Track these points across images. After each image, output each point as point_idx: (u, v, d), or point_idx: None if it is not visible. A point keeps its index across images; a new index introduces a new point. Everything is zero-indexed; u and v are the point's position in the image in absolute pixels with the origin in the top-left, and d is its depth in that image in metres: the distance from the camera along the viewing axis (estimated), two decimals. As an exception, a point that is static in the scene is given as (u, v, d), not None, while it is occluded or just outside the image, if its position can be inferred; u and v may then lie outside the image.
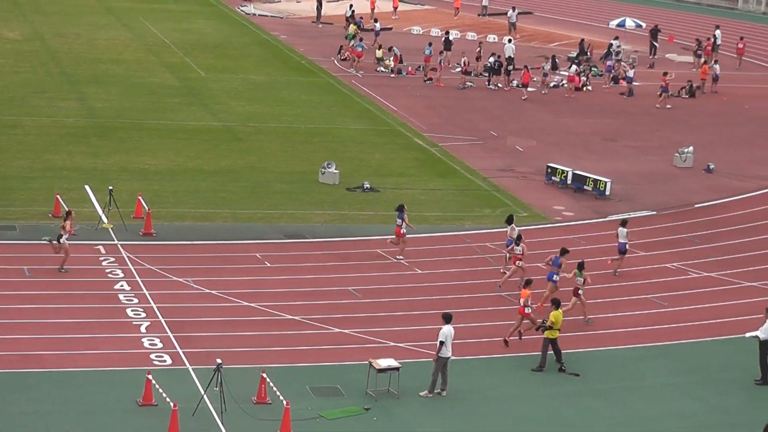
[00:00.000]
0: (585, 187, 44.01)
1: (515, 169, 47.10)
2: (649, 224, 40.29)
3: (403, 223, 35.51)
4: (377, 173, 45.26)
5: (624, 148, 52.78)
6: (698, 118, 59.17)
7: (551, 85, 64.00)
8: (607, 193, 43.38)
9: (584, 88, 64.11)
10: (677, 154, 49.50)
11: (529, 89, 62.25)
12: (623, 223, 36.13)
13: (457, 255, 36.83)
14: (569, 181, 44.46)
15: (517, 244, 34.19)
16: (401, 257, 35.62)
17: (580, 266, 32.51)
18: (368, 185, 43.06)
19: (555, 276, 32.58)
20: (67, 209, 34.16)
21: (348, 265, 35.25)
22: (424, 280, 34.34)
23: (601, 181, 43.50)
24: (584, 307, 31.91)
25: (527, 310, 30.23)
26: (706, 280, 36.10)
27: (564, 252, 33.14)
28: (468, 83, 63.18)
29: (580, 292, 31.83)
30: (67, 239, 32.59)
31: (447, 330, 27.44)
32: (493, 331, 31.10)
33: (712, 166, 48.52)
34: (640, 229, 40.24)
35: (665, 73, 61.56)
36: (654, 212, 41.49)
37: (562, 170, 44.79)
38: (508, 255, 34.88)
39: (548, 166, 45.65)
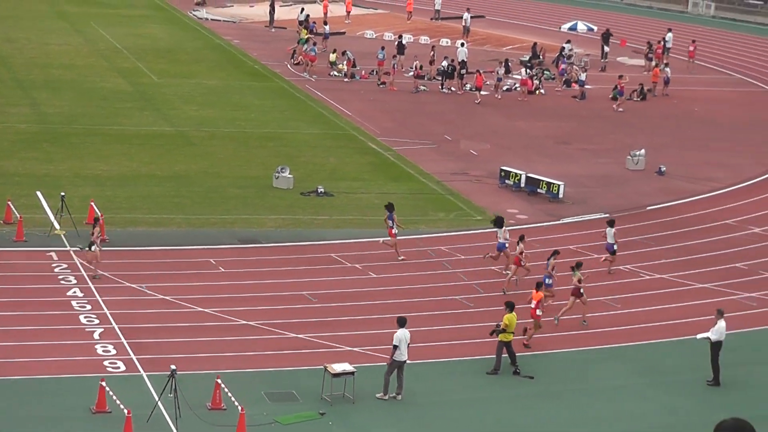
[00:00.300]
0: (538, 190, 43.99)
1: (469, 172, 47.05)
2: (602, 227, 39.48)
3: (394, 223, 35.85)
4: (331, 177, 45.25)
5: (577, 151, 52.92)
6: (650, 121, 59.41)
7: (504, 88, 64.04)
8: (561, 196, 43.40)
9: (537, 92, 64.48)
10: (629, 157, 49.69)
11: (482, 93, 62.34)
12: (610, 223, 36.42)
13: (411, 259, 36.81)
14: (523, 185, 44.41)
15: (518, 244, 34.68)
16: (402, 257, 36.14)
17: (578, 265, 32.86)
18: (322, 189, 42.98)
19: (548, 279, 32.82)
20: (97, 215, 34.80)
21: (303, 269, 35.21)
22: (379, 284, 34.30)
23: (554, 184, 43.59)
24: (585, 306, 32.29)
25: (538, 312, 30.51)
26: (659, 282, 36.10)
27: (555, 253, 33.57)
28: (421, 87, 63.38)
29: (581, 291, 32.12)
30: (99, 246, 32.92)
31: (401, 334, 27.41)
32: (448, 335, 31.03)
33: (663, 169, 48.80)
34: (592, 232, 40.48)
35: (620, 77, 62.29)
36: (607, 215, 41.20)
37: (516, 173, 44.74)
38: (495, 256, 35.19)
39: (502, 170, 45.55)
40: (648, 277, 36.11)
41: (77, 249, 34.30)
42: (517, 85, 64.56)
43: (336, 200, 42.37)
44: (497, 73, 63.85)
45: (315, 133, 53.35)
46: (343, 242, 37.83)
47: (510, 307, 29.14)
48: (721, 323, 29.32)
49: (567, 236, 39.24)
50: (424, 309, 32.51)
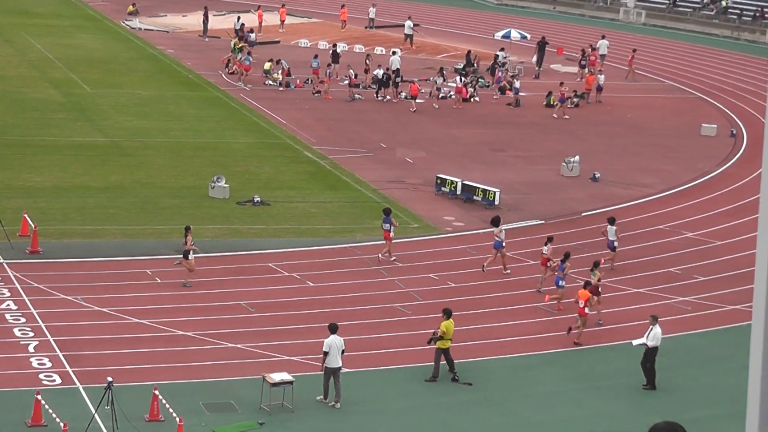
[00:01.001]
0: (474, 197, 44.08)
1: (405, 180, 46.90)
2: (537, 233, 40.30)
3: (391, 227, 36.27)
4: (267, 186, 44.95)
5: (512, 158, 52.99)
6: (583, 128, 59.74)
7: (440, 96, 63.58)
8: (497, 202, 43.50)
9: (472, 99, 64.24)
10: (564, 164, 49.68)
11: (417, 101, 61.77)
12: (611, 220, 37.15)
13: (348, 267, 36.74)
14: (459, 192, 44.43)
15: (545, 245, 35.45)
16: (394, 258, 36.49)
17: (596, 265, 33.75)
18: (259, 199, 42.67)
19: (561, 282, 33.53)
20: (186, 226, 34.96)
21: (240, 279, 35.05)
22: (316, 293, 34.19)
23: (490, 191, 43.76)
24: (599, 305, 32.75)
25: (586, 310, 31.12)
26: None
27: (567, 256, 34.26)
28: (356, 95, 62.88)
29: (599, 290, 32.63)
30: (192, 255, 33.33)
31: (331, 340, 27.38)
32: (387, 343, 30.96)
33: (597, 175, 48.92)
34: (528, 239, 40.65)
35: (561, 84, 62.33)
36: (542, 221, 41.86)
37: (452, 181, 44.74)
38: (491, 256, 35.72)
39: (438, 177, 45.55)
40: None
41: (176, 262, 34.90)
42: (452, 93, 64.03)
43: (272, 209, 42.10)
44: (435, 81, 63.80)
45: (250, 143, 52.92)
46: (281, 251, 37.65)
47: (447, 314, 29.20)
48: (657, 329, 29.45)
49: (506, 242, 38.44)
50: (362, 317, 32.49)
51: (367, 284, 35.15)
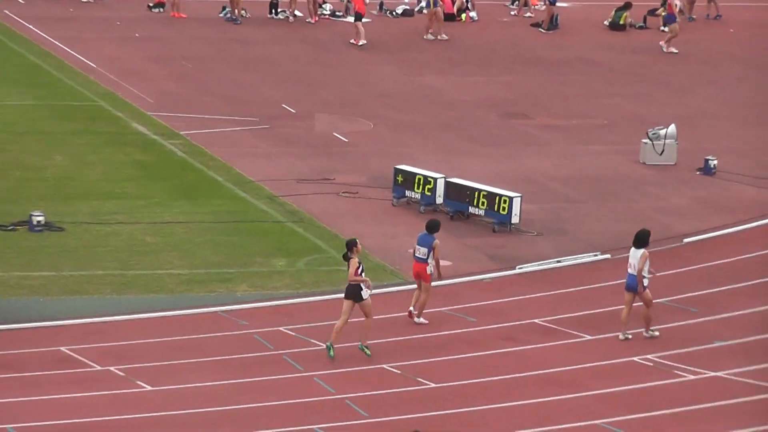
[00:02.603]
0: (472, 209, 35.62)
1: (333, 176, 37.94)
2: (598, 278, 32.24)
3: (431, 257, 28.73)
4: (59, 193, 36.63)
5: (543, 131, 42.80)
6: (682, 69, 50.16)
7: (394, 12, 53.86)
8: (515, 220, 34.66)
9: (463, 16, 53.39)
10: (647, 140, 39.64)
11: (364, 21, 50.53)
12: (639, 241, 30.09)
13: (217, 352, 28.17)
14: (440, 200, 35.86)
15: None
16: (421, 318, 29.44)
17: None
18: (41, 218, 34.72)
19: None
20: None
21: (7, 378, 27.65)
22: (165, 406, 26.03)
23: (502, 197, 34.72)
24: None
25: None
26: None
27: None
28: (238, 12, 51.53)
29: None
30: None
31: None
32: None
33: (713, 163, 40.03)
34: (582, 290, 32.51)
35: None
36: (607, 255, 33.44)
37: (426, 177, 36.33)
38: None
39: (397, 171, 36.47)
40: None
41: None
42: (423, 2, 52.86)
43: (69, 238, 34.18)
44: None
45: (24, 105, 43.56)
46: (87, 323, 29.67)
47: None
48: None
49: (527, 299, 31.02)
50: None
51: (274, 387, 26.93)
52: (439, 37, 51.04)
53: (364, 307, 27.09)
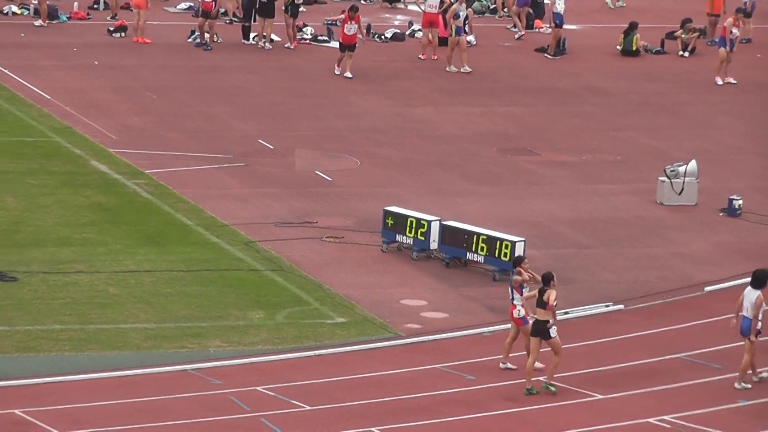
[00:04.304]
0: (470, 255, 34.32)
1: (316, 220, 36.37)
2: (608, 331, 31.33)
3: (518, 294, 28.02)
4: (10, 240, 35.41)
5: (548, 168, 41.52)
6: (704, 98, 48.63)
7: (383, 36, 50.87)
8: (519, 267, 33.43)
9: (458, 40, 48.23)
10: (665, 178, 38.79)
11: (347, 53, 47.63)
12: (758, 281, 28.89)
13: (195, 415, 26.40)
14: (434, 245, 34.75)
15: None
16: (509, 364, 28.45)
17: None
18: None
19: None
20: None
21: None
22: None
23: (504, 241, 33.50)
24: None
25: None
26: None
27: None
28: (209, 38, 48.42)
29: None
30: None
31: None
32: None
33: (738, 203, 38.86)
34: (589, 345, 32.40)
35: (722, 12, 51.75)
36: (620, 306, 32.02)
37: (418, 221, 35.18)
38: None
39: (386, 213, 35.03)
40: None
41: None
42: (416, 27, 51.21)
43: (23, 289, 32.83)
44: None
45: None
46: (42, 383, 28.14)
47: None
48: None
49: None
50: None
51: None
52: (462, 70, 49.02)
53: (553, 345, 26.73)
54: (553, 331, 26.77)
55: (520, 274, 28.11)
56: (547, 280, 27.44)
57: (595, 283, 32.20)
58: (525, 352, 28.05)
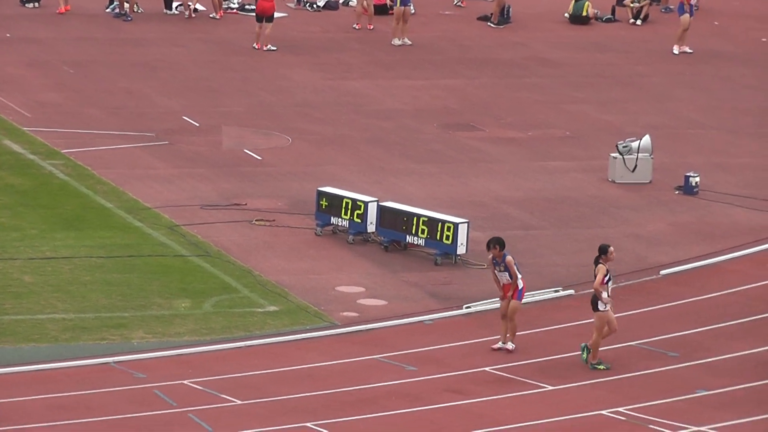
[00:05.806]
0: (410, 239, 33.16)
1: (245, 201, 35.05)
2: (557, 317, 30.14)
3: (512, 275, 27.23)
4: None
5: (493, 144, 40.25)
6: (660, 69, 47.75)
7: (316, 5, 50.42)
8: (461, 250, 32.48)
9: (394, 8, 47.79)
10: (617, 155, 37.86)
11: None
12: None
13: (117, 411, 25.02)
14: (371, 227, 33.45)
15: None
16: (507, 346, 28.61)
17: None
18: None
19: None
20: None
21: None
22: None
23: (445, 223, 32.43)
24: None
25: None
26: None
27: None
28: (130, 8, 48.12)
29: None
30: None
31: None
32: None
33: (694, 180, 37.74)
34: (536, 334, 31.86)
35: None
36: (570, 291, 30.75)
37: (355, 201, 33.86)
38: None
39: (320, 194, 33.97)
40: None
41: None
42: None
43: None
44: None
45: None
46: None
47: None
48: None
49: (475, 344, 28.64)
50: None
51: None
52: (402, 42, 48.84)
53: (598, 319, 26.50)
54: (602, 306, 26.46)
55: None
56: (602, 250, 27.02)
57: (544, 266, 31.40)
58: (498, 336, 27.29)
